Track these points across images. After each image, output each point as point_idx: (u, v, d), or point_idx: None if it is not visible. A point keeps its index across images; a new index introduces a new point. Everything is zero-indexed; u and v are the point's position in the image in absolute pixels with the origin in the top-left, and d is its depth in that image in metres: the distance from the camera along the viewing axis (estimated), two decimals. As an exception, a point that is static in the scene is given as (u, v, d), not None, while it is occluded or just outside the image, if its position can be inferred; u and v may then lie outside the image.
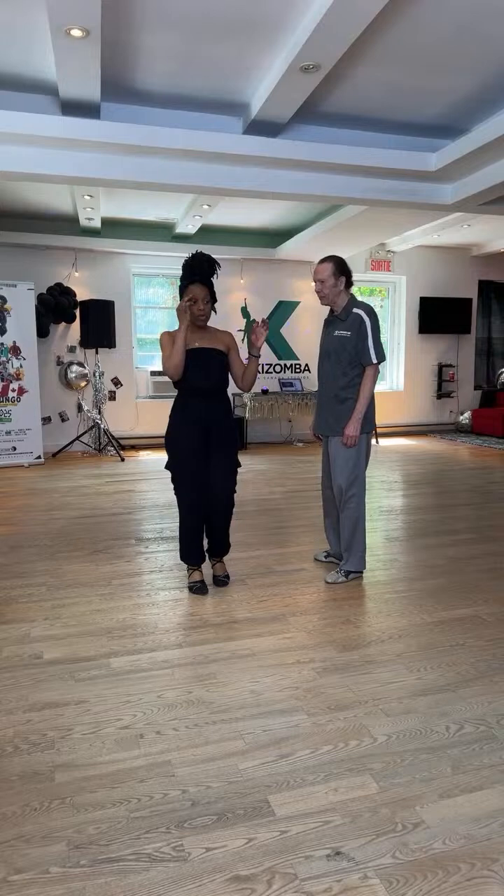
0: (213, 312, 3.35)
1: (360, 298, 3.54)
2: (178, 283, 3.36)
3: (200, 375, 3.29)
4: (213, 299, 3.34)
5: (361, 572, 3.65)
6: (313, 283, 3.51)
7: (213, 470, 3.37)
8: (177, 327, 3.29)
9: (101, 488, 6.32)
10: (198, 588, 3.44)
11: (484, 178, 5.53)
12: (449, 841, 1.65)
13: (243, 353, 3.40)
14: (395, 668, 2.59)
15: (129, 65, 4.22)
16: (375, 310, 3.53)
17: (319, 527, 4.45)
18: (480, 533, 4.62)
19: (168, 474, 3.43)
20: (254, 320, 3.44)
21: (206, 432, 3.33)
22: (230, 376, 3.42)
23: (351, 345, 3.42)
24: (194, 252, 3.34)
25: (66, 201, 7.44)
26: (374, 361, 3.42)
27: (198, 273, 3.25)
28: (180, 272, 3.35)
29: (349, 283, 3.50)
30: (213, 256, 3.34)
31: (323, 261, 3.47)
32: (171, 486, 3.41)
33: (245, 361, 3.45)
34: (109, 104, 4.73)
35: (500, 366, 10.93)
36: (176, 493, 3.42)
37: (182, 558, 3.51)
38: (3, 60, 4.18)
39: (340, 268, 3.44)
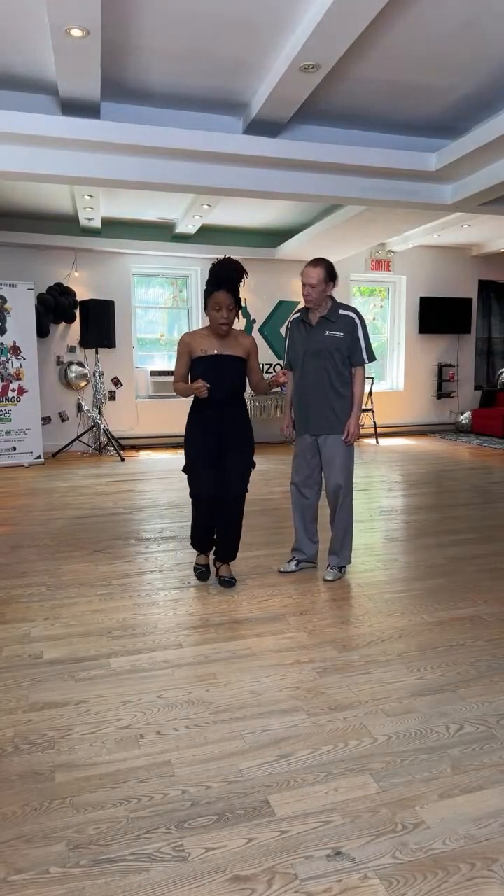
0: (235, 319, 3.37)
1: (359, 299, 3.57)
2: (204, 289, 3.33)
3: (212, 386, 3.28)
4: (238, 306, 3.33)
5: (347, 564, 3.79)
6: (302, 286, 3.50)
7: (228, 470, 3.42)
8: (187, 329, 3.30)
9: (101, 488, 6.32)
10: (201, 573, 3.58)
11: (484, 178, 5.52)
12: (449, 841, 1.65)
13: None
14: (395, 668, 2.59)
15: (130, 65, 4.22)
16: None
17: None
18: (480, 533, 4.62)
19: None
20: (273, 374, 3.53)
21: (220, 437, 3.39)
22: (247, 379, 3.49)
23: (344, 345, 3.49)
24: (223, 258, 3.32)
25: (66, 201, 7.44)
26: (367, 361, 3.55)
27: (225, 281, 3.23)
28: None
29: (334, 286, 3.56)
30: (214, 257, 3.34)
31: (314, 264, 3.44)
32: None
33: (263, 374, 3.58)
34: (109, 104, 4.73)
35: (500, 366, 10.93)
36: (191, 495, 3.47)
37: (192, 545, 3.67)
38: (3, 60, 4.18)
39: (330, 273, 3.47)
